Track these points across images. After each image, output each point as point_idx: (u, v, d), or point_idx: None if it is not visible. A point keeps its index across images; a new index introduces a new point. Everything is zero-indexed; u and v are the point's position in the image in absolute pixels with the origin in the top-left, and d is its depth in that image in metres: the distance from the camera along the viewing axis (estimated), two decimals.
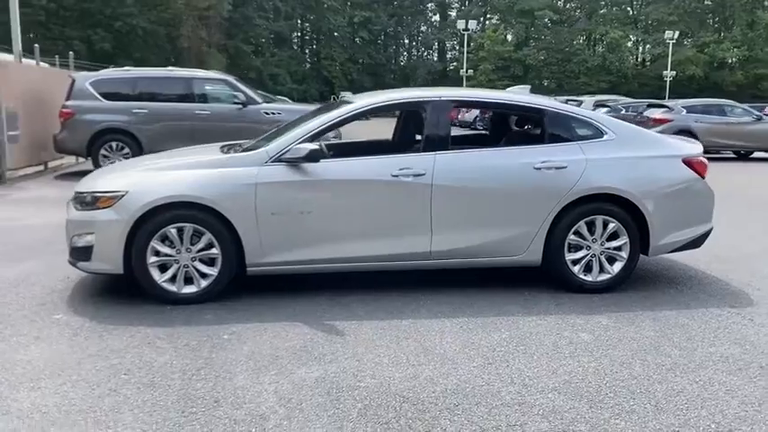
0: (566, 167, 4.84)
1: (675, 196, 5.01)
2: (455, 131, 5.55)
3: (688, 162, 5.04)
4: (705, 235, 5.20)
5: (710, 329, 4.24)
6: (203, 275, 4.66)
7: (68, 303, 4.71)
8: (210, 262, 4.65)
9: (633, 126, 5.30)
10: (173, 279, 4.63)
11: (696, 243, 5.20)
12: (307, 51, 71.02)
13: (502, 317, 4.44)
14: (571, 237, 4.91)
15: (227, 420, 3.05)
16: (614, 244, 4.95)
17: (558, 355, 3.81)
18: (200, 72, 13.04)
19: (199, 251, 4.63)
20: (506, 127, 5.90)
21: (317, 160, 4.60)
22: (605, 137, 5.01)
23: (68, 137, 12.10)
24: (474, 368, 3.61)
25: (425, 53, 77.16)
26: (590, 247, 4.94)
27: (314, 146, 4.56)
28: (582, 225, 4.90)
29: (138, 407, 3.17)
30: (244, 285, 4.87)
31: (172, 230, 4.56)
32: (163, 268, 4.63)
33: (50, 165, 13.61)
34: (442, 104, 4.91)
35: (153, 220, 4.53)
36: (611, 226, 4.91)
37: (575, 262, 4.95)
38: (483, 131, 6.75)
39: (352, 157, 4.90)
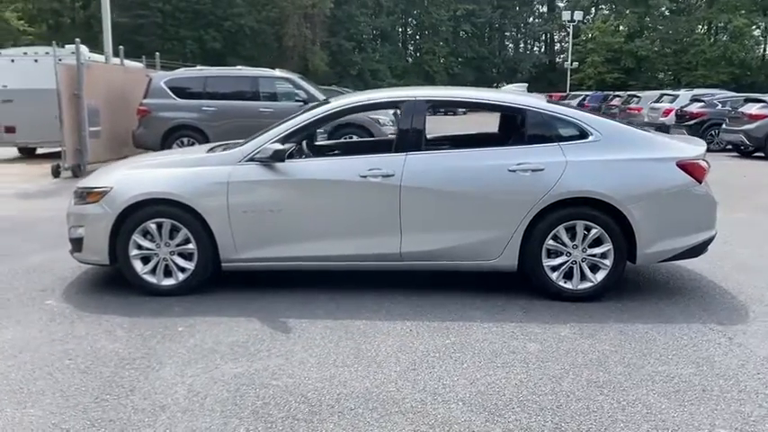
0: (542, 170, 4.64)
1: (667, 202, 4.68)
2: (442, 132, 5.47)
3: (683, 165, 4.68)
4: (705, 243, 4.82)
5: (676, 347, 3.95)
6: (181, 269, 4.88)
7: (65, 291, 5.08)
8: (188, 256, 4.87)
9: (624, 126, 4.98)
10: (153, 271, 4.89)
11: (695, 251, 4.84)
12: (409, 47, 71.32)
13: (459, 322, 4.34)
14: (549, 242, 4.71)
15: (131, 409, 3.20)
16: (597, 251, 4.70)
17: (490, 364, 3.69)
18: (265, 71, 13.49)
19: (177, 246, 4.85)
20: (486, 128, 5.72)
21: (281, 160, 4.69)
22: (590, 138, 4.76)
23: (144, 133, 12.90)
24: (394, 373, 3.58)
25: (532, 46, 75.38)
26: (570, 254, 4.72)
27: (278, 146, 4.65)
28: (561, 230, 4.68)
29: (62, 391, 3.40)
30: (228, 280, 5.05)
31: (152, 225, 4.81)
32: (146, 261, 4.90)
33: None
34: (415, 104, 4.85)
35: (134, 216, 4.80)
36: (593, 232, 4.67)
37: (554, 268, 4.75)
38: (467, 133, 6.56)
39: (328, 156, 4.95)
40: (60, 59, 12.71)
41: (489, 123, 5.99)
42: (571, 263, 4.73)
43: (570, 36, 55.25)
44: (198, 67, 14.31)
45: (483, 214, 4.70)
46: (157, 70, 15.81)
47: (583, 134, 4.78)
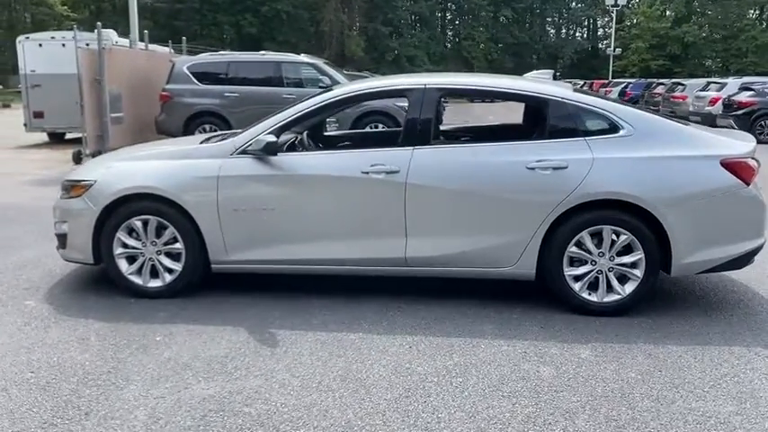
0: (565, 168, 4.12)
1: (708, 206, 4.12)
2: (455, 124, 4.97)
3: (728, 164, 4.11)
4: (751, 253, 4.24)
5: (714, 377, 3.42)
6: (169, 270, 4.52)
7: (50, 290, 4.77)
8: (176, 257, 4.50)
9: (660, 119, 4.40)
10: (140, 271, 4.53)
11: (739, 263, 4.27)
12: (448, 32, 70.22)
13: (467, 338, 3.87)
14: (572, 249, 4.19)
15: None
16: (627, 260, 4.17)
17: (495, 393, 3.22)
18: (289, 56, 13.09)
19: (164, 245, 4.49)
20: (502, 126, 5.20)
21: (274, 153, 4.27)
22: (621, 132, 4.21)
23: (167, 119, 12.64)
24: (384, 401, 3.14)
25: (574, 31, 73.56)
26: (596, 262, 4.20)
27: (271, 138, 4.23)
28: (585, 236, 4.16)
29: (12, 411, 3.05)
30: (221, 282, 4.67)
31: (137, 223, 4.46)
32: (131, 260, 4.55)
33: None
34: (424, 93, 4.36)
35: (118, 212, 4.45)
36: (622, 238, 4.14)
37: (576, 278, 4.24)
38: (482, 125, 6.03)
39: (328, 150, 4.51)
40: (88, 44, 12.50)
41: (517, 112, 5.46)
42: (596, 273, 4.21)
43: (614, 21, 53.55)
44: (221, 52, 13.96)
45: (497, 216, 4.21)
46: (183, 55, 15.54)
47: (613, 128, 4.24)
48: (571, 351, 3.70)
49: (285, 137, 4.68)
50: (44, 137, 16.25)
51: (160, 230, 4.47)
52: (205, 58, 13.16)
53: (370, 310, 4.30)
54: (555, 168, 4.13)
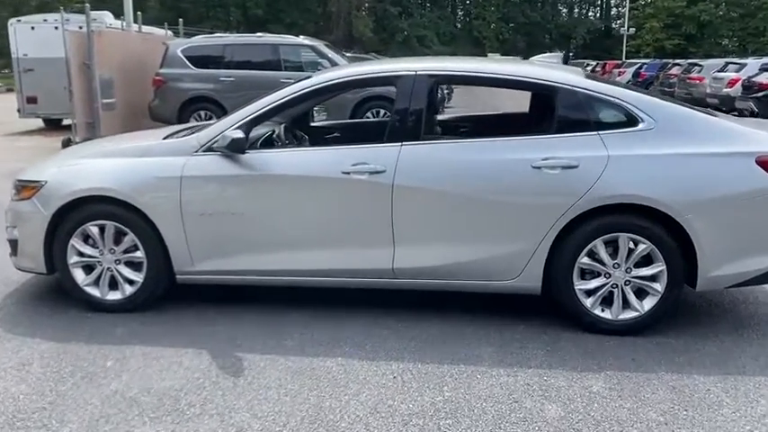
0: (576, 167, 3.58)
1: (741, 210, 3.57)
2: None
3: (765, 162, 3.55)
4: None
5: (751, 418, 2.89)
6: (129, 281, 4.03)
7: (1, 301, 4.30)
8: (137, 266, 4.01)
9: (685, 110, 3.83)
10: (97, 282, 4.05)
11: None
12: (458, 12, 69.08)
13: (461, 365, 3.36)
14: (583, 260, 3.66)
15: None
16: (646, 272, 3.64)
17: None
18: (287, 38, 12.52)
19: (124, 253, 4.00)
20: (503, 116, 4.64)
21: (240, 151, 3.75)
22: (640, 125, 3.65)
23: (160, 105, 12.13)
24: None
25: (586, 11, 72.19)
26: (610, 275, 3.67)
27: (237, 134, 3.70)
28: (599, 245, 3.63)
29: None
30: (191, 292, 4.18)
31: (92, 228, 3.97)
32: (88, 270, 4.07)
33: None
34: (415, 81, 3.82)
35: (71, 216, 3.96)
36: (641, 247, 3.60)
37: (588, 293, 3.71)
38: (483, 114, 5.45)
39: (306, 146, 4.00)
40: (81, 27, 11.96)
41: (523, 101, 4.89)
42: (611, 286, 3.68)
43: (627, 0, 52.27)
44: (217, 34, 13.39)
45: (498, 222, 3.68)
46: (180, 38, 15.00)
47: (631, 120, 3.68)
48: (581, 383, 3.19)
49: (260, 130, 4.17)
50: (40, 123, 15.80)
51: (119, 237, 3.98)
52: (200, 40, 12.62)
53: (354, 329, 3.80)
54: (564, 167, 3.59)
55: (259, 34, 12.77)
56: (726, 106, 17.13)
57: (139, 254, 3.96)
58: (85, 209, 3.94)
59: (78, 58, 11.22)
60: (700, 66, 22.82)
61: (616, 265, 3.65)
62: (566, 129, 3.69)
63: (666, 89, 22.43)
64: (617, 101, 3.71)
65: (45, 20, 14.97)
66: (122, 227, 3.93)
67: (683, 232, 3.55)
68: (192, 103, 11.87)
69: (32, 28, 14.74)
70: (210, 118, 11.69)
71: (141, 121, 13.15)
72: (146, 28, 14.47)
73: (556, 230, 3.63)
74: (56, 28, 14.41)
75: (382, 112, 11.28)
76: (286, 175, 3.79)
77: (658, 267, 3.61)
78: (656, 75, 28.30)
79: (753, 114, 15.96)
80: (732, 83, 18.79)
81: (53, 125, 15.77)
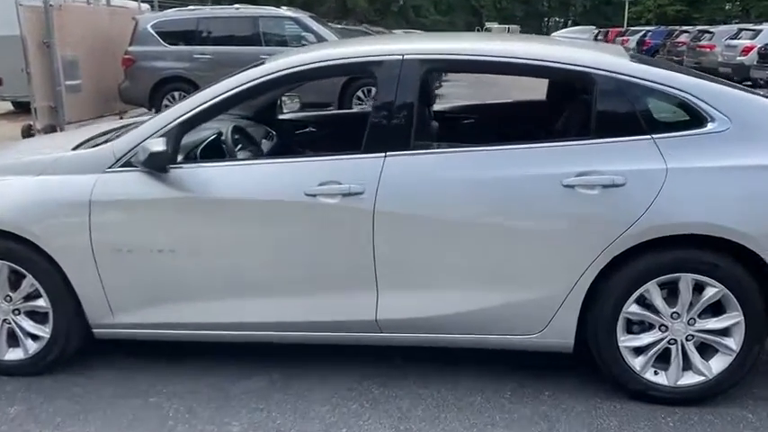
0: (622, 185, 2.61)
1: None
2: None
3: None
4: None
5: None
6: (33, 336, 3.07)
7: None
8: (42, 317, 3.05)
9: None
10: None
11: None
12: None
13: None
14: (631, 308, 2.72)
15: None
16: (715, 324, 2.70)
17: None
18: (267, 10, 11.43)
19: (24, 301, 3.04)
20: (523, 109, 3.64)
21: (162, 169, 2.77)
22: (710, 125, 2.68)
23: (131, 86, 11.12)
24: None
25: None
26: (667, 328, 2.72)
27: (157, 146, 2.71)
28: (652, 288, 2.68)
29: None
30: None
31: None
32: None
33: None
34: (402, 68, 2.81)
35: None
36: (710, 292, 2.66)
37: (637, 351, 2.77)
38: (495, 103, 4.39)
39: (257, 159, 3.02)
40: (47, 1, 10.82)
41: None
42: (668, 342, 2.74)
43: None
44: (190, 7, 12.26)
45: (516, 260, 2.73)
46: (155, 11, 13.87)
47: (697, 119, 2.70)
48: None
49: (202, 133, 3.19)
50: (8, 106, 14.73)
51: (18, 280, 3.02)
52: (172, 14, 11.51)
53: (325, 398, 2.86)
54: (606, 186, 2.62)
55: (237, 6, 11.65)
56: (739, 76, 16.09)
57: (42, 302, 3.00)
58: None
59: (36, 37, 10.15)
60: (710, 33, 21.68)
61: (675, 315, 2.71)
62: (607, 131, 2.71)
63: (674, 58, 21.27)
64: (678, 92, 2.71)
65: None
66: (18, 267, 2.97)
67: None
68: (166, 83, 10.88)
69: None
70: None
71: (112, 104, 12.09)
72: (115, 1, 13.29)
73: (595, 270, 2.67)
74: (21, 5, 13.30)
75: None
76: (228, 199, 2.81)
77: (733, 318, 2.67)
78: (662, 43, 27.06)
79: None
80: (746, 50, 17.74)
81: (23, 108, 14.68)
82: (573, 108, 3.23)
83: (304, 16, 11.10)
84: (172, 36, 10.93)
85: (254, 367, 3.11)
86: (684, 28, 27.60)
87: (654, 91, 2.73)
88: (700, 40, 21.76)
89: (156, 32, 10.91)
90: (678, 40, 24.90)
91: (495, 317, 2.79)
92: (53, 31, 10.18)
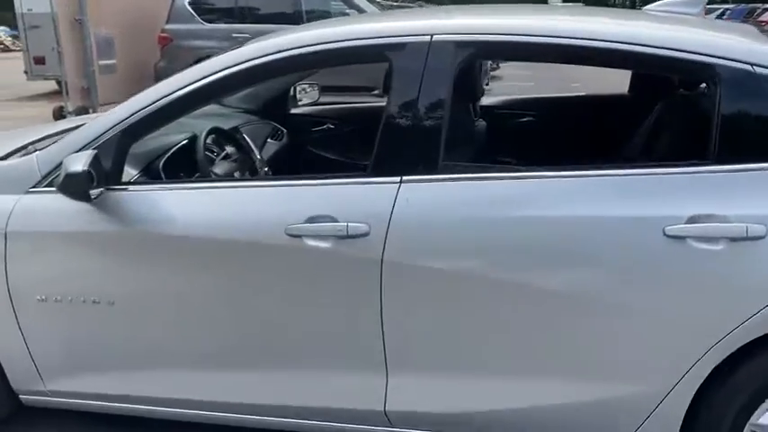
0: (762, 238, 1.69)
1: None
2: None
3: None
4: None
5: None
6: None
7: None
8: None
9: None
10: None
11: None
12: None
13: None
14: (763, 420, 1.81)
15: None
16: None
17: None
18: None
19: None
20: (599, 112, 2.69)
21: (82, 196, 1.98)
22: None
23: (167, 66, 10.45)
24: None
25: None
26: None
27: (75, 166, 1.91)
28: None
29: None
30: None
31: None
32: None
33: None
34: (431, 54, 1.92)
35: None
36: None
37: None
38: (548, 101, 3.39)
39: (224, 181, 2.22)
40: None
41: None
42: None
43: None
44: None
45: (589, 342, 1.85)
46: None
47: None
48: None
49: (171, 137, 2.42)
50: (52, 85, 14.44)
51: None
52: None
53: None
54: (735, 239, 1.71)
55: None
56: None
57: None
58: None
59: (68, 13, 9.71)
60: None
61: None
62: (737, 154, 1.78)
63: None
64: None
65: None
66: None
67: None
68: None
69: None
70: None
71: (149, 84, 11.57)
72: None
73: (710, 363, 1.78)
74: None
75: None
76: (180, 236, 2.01)
77: None
78: (742, 22, 25.10)
79: None
80: None
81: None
82: (680, 116, 2.28)
83: None
84: (209, 12, 10.34)
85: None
86: None
87: None
88: None
89: (194, 9, 10.29)
90: (761, 18, 22.93)
91: (557, 417, 1.93)
92: (86, 6, 9.66)
